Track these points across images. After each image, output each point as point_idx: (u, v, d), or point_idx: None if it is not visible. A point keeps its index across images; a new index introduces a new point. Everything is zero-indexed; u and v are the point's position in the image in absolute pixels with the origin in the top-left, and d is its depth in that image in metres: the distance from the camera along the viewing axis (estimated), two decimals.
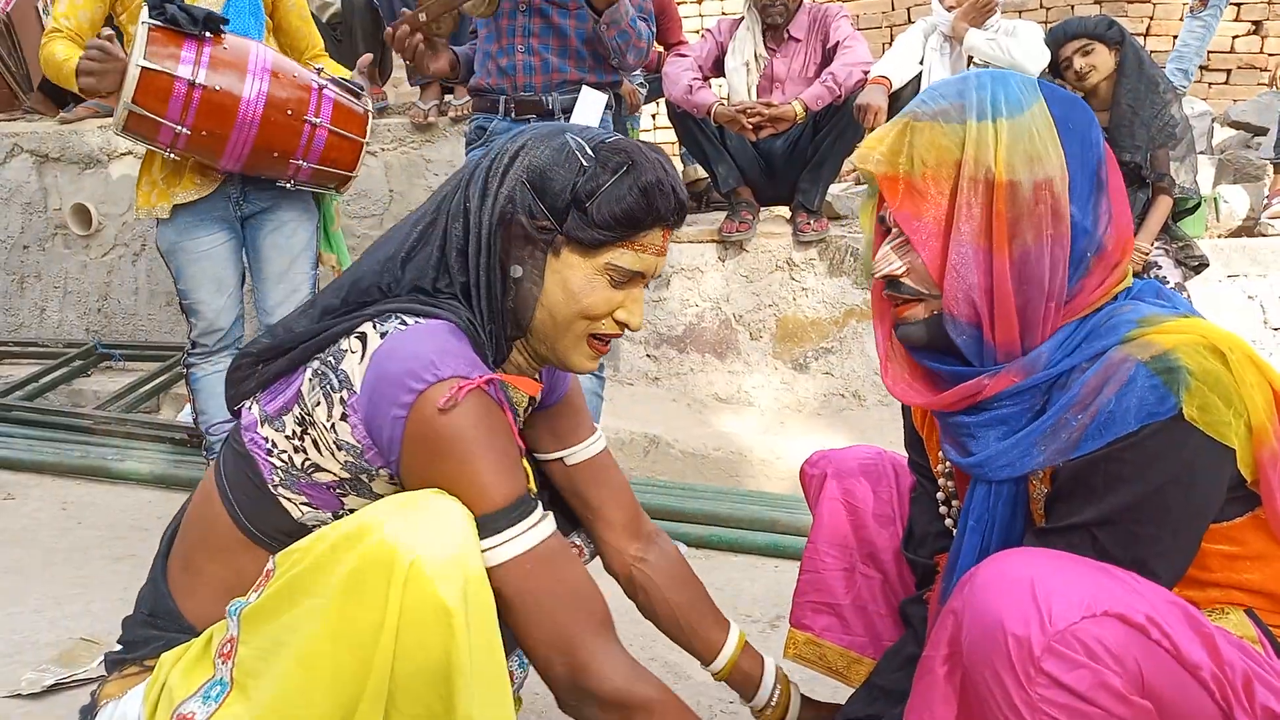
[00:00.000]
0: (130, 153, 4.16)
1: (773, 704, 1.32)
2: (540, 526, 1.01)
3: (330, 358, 1.03)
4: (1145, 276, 3.14)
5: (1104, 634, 0.84)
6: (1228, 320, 3.35)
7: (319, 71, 2.41)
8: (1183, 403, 0.92)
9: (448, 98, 4.10)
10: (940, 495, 1.23)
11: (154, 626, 1.12)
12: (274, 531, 1.07)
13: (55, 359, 4.04)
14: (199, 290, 2.48)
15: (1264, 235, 3.58)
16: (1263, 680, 0.86)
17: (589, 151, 1.06)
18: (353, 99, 2.42)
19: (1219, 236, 3.71)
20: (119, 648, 1.15)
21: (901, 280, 1.06)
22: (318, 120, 2.31)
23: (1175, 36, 4.49)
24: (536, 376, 1.26)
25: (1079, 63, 3.18)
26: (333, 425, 1.01)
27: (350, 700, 0.91)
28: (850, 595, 1.34)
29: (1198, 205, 3.39)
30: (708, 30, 3.69)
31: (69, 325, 4.51)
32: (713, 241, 3.59)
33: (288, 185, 2.40)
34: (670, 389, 3.64)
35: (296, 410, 1.03)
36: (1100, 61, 3.18)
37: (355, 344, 1.02)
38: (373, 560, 0.89)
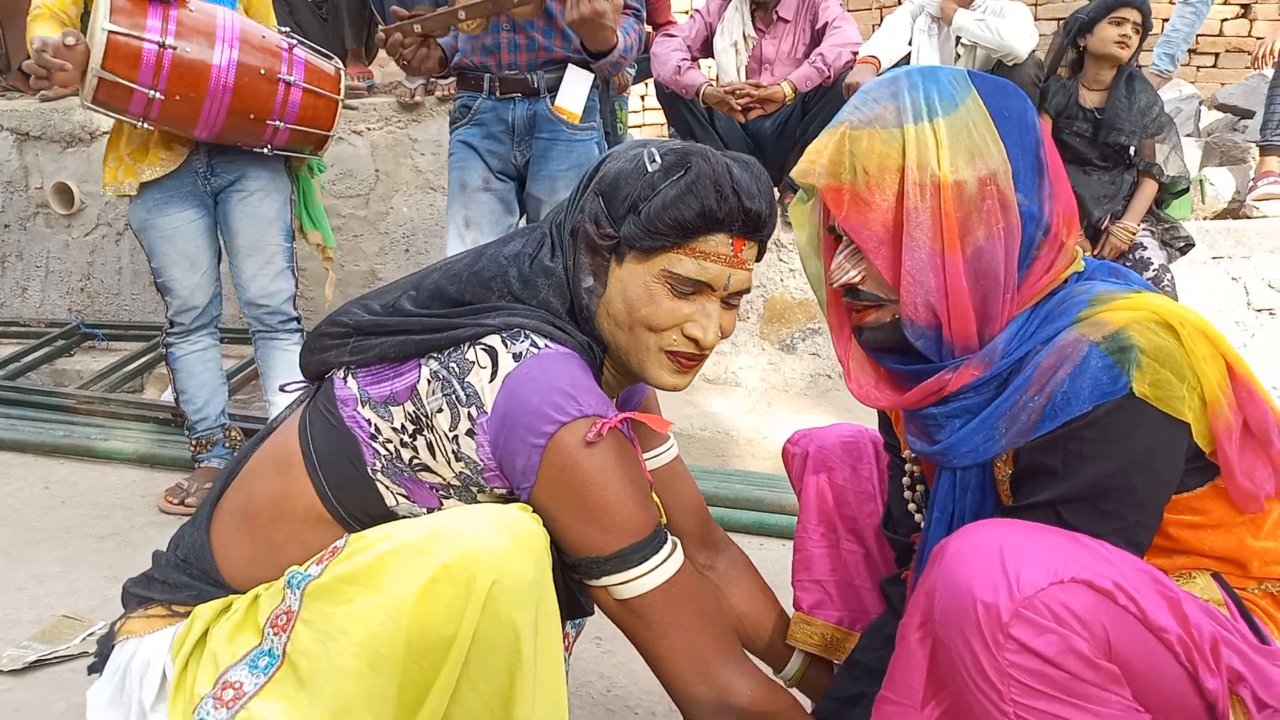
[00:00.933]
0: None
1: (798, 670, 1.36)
2: (675, 555, 1.02)
3: (453, 364, 1.01)
4: (1131, 257, 3.16)
5: (1071, 600, 0.85)
6: (1212, 301, 3.37)
7: (285, 33, 2.40)
8: (1134, 380, 0.93)
9: (433, 77, 4.07)
10: (906, 479, 1.24)
11: (186, 573, 1.10)
12: (360, 513, 1.05)
13: (37, 339, 4.02)
14: (172, 268, 2.46)
15: (1249, 217, 3.59)
16: (1228, 642, 0.88)
17: (658, 159, 1.04)
18: (323, 60, 2.39)
19: (1205, 218, 3.73)
20: (144, 581, 1.13)
21: (860, 288, 1.06)
22: (292, 79, 2.28)
23: (1165, 20, 4.49)
24: (620, 398, 1.26)
25: (1130, 33, 3.16)
26: (455, 437, 1.00)
27: (410, 708, 0.91)
28: (836, 571, 1.35)
29: (1185, 189, 3.41)
30: (696, 10, 3.67)
31: (51, 305, 4.48)
32: None
33: (265, 150, 2.37)
34: None
35: (410, 407, 1.02)
36: (1135, 41, 3.19)
37: (484, 358, 1.00)
38: (454, 573, 0.89)
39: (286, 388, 1.40)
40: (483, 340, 1.01)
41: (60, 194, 4.32)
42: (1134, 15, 3.17)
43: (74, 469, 2.92)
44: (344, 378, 1.07)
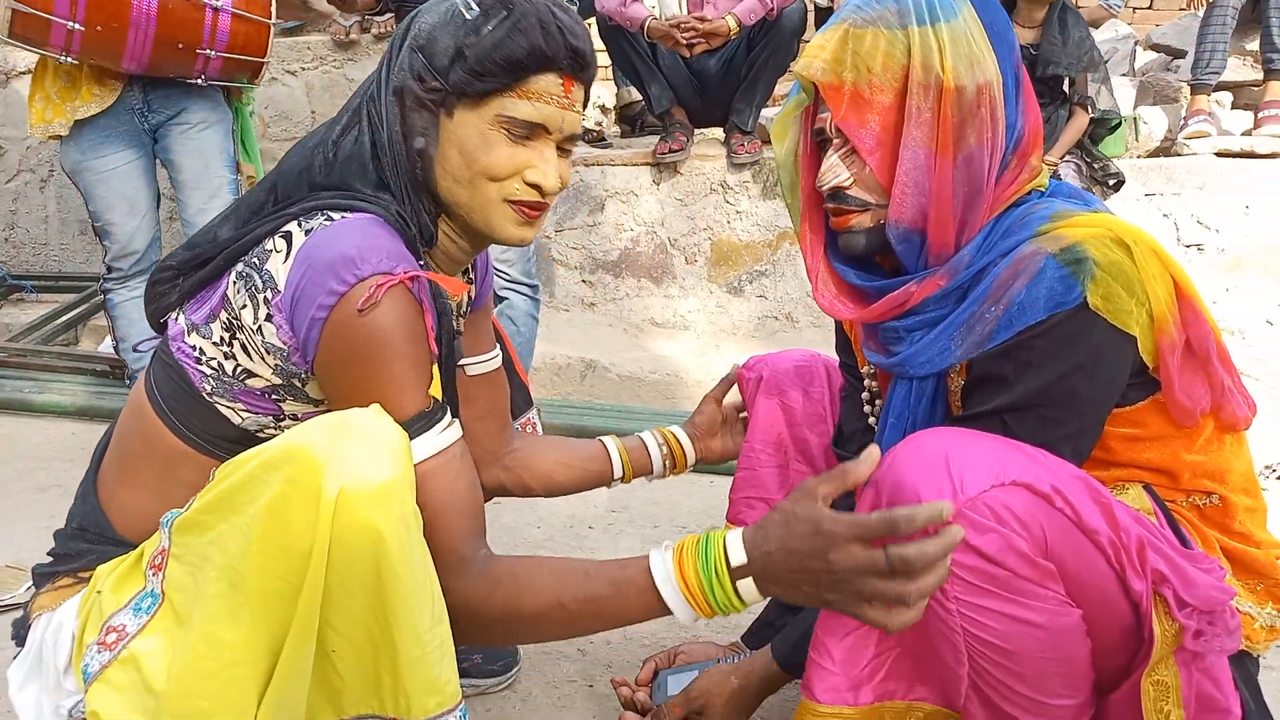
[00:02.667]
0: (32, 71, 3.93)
1: (669, 464, 1.43)
2: (449, 431, 1.00)
3: (254, 259, 1.00)
4: None
5: (1011, 501, 0.89)
6: None
7: None
8: (1088, 292, 0.96)
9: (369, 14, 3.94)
10: (865, 395, 1.27)
11: (84, 539, 1.10)
12: (215, 438, 1.05)
13: None
14: (110, 212, 2.38)
15: (1180, 155, 3.69)
16: (1154, 546, 0.92)
17: (474, 6, 1.03)
18: None
19: (1138, 156, 3.82)
20: (49, 560, 1.13)
21: (848, 192, 1.07)
22: (219, 4, 2.20)
23: None
24: (469, 271, 1.24)
25: None
26: (259, 328, 0.99)
27: (280, 623, 0.90)
28: (784, 490, 1.38)
29: (1118, 125, 3.48)
30: None
31: None
32: (647, 164, 3.56)
33: (199, 81, 2.29)
34: (606, 314, 3.64)
35: (223, 315, 1.01)
36: None
37: (280, 243, 0.99)
38: (299, 486, 0.87)
39: (139, 347, 1.38)
40: (282, 229, 1.00)
41: None
42: None
43: (8, 423, 2.84)
44: (175, 317, 1.07)
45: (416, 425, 0.97)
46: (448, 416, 1.01)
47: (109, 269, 2.46)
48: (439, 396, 1.01)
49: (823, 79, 1.05)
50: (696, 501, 2.30)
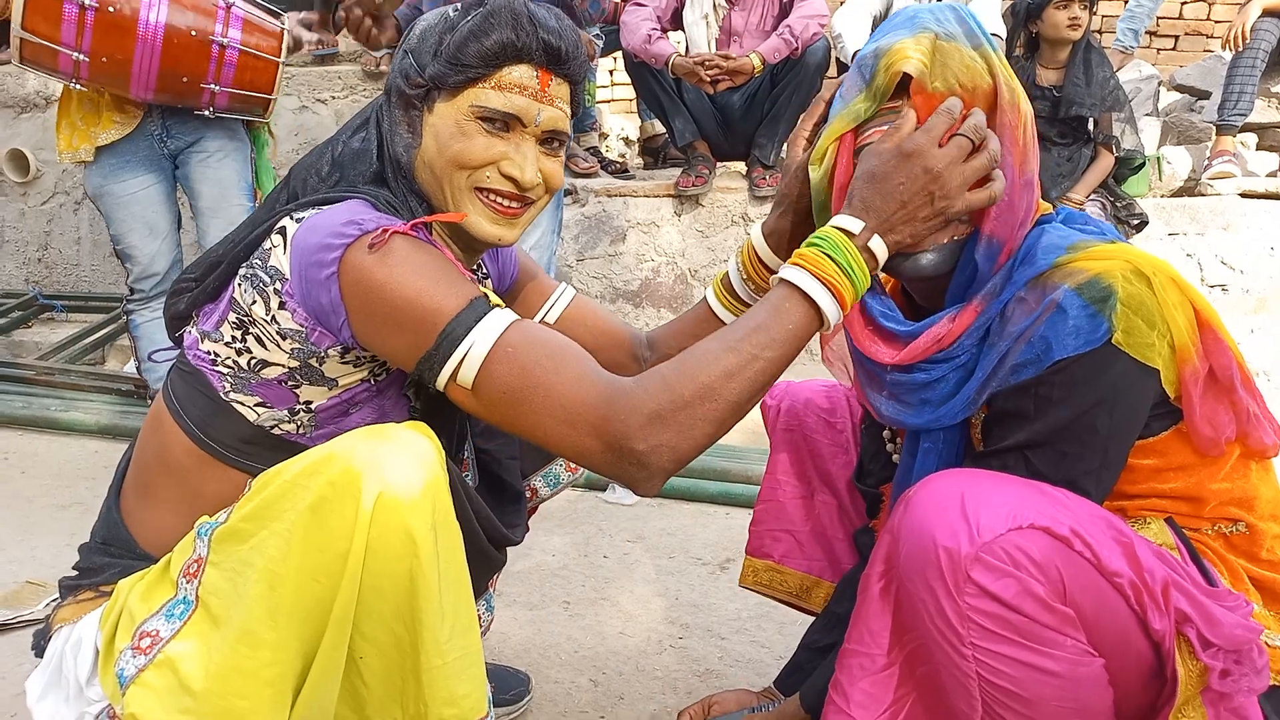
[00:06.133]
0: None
1: (752, 288, 1.23)
2: (499, 314, 0.96)
3: (256, 259, 1.02)
4: None
5: (1029, 545, 0.88)
6: None
7: None
8: (1115, 328, 0.95)
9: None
10: (886, 432, 1.26)
11: (108, 554, 1.12)
12: (233, 440, 1.07)
13: None
14: (131, 234, 2.43)
15: (1204, 195, 3.68)
16: (1177, 585, 0.91)
17: (460, 9, 1.06)
18: (267, 17, 2.33)
19: (1162, 196, 3.80)
20: (74, 574, 1.15)
21: None
22: (226, 40, 2.22)
23: (1126, 1, 4.56)
24: (481, 267, 1.24)
25: (1078, 12, 3.22)
26: (273, 317, 1.01)
27: (316, 625, 0.91)
28: (809, 522, 1.37)
29: (1142, 165, 3.48)
30: None
31: (7, 276, 4.38)
32: (669, 196, 3.58)
33: (208, 113, 2.33)
34: None
35: (232, 316, 1.03)
36: (1085, 19, 3.23)
37: (277, 239, 1.01)
38: (339, 489, 0.89)
39: (154, 356, 1.41)
40: (277, 227, 1.02)
41: (15, 161, 4.22)
42: None
43: (34, 440, 2.88)
44: (189, 330, 1.10)
45: (471, 315, 0.94)
46: (495, 303, 0.98)
47: (131, 290, 2.51)
48: (499, 301, 0.99)
49: (918, 77, 1.00)
50: (712, 533, 2.29)
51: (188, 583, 0.98)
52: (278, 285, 1.00)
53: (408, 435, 0.95)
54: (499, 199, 1.06)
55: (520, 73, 1.04)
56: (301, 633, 0.92)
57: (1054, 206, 1.13)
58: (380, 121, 1.10)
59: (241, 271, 1.03)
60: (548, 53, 1.05)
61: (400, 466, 0.90)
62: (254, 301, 1.01)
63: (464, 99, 1.04)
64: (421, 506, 0.90)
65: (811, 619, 1.38)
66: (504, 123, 1.05)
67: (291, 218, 1.02)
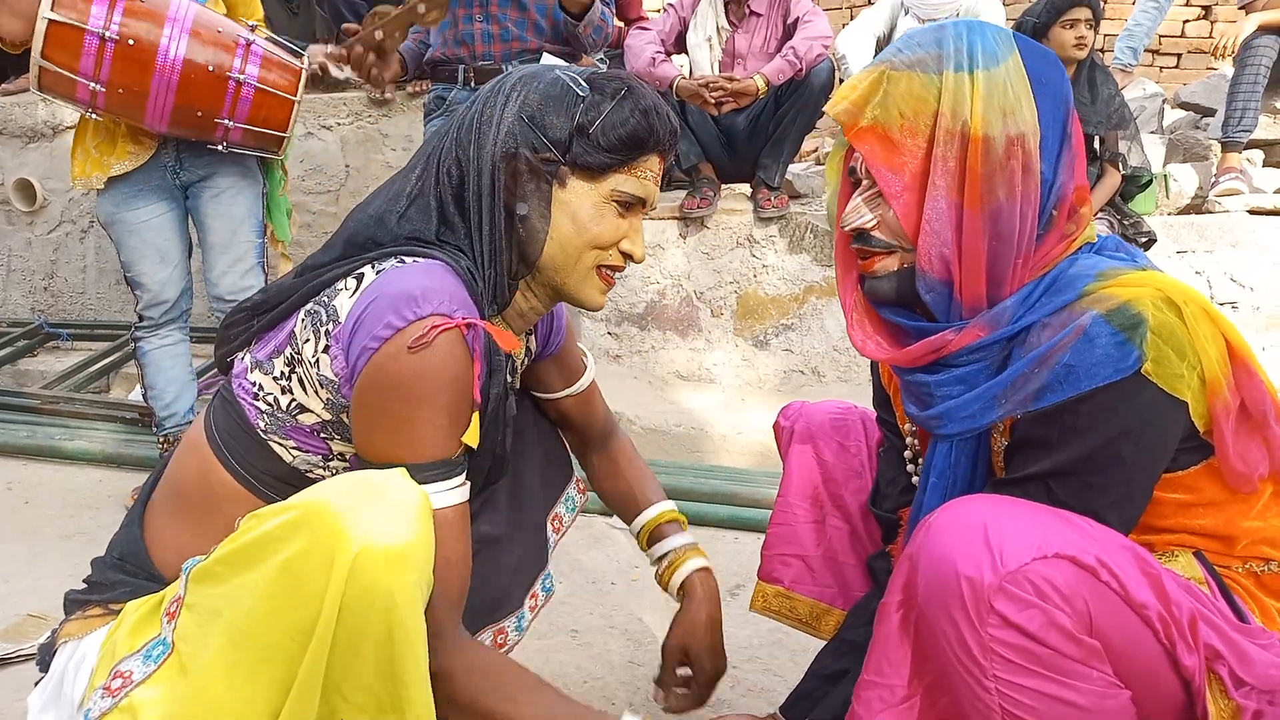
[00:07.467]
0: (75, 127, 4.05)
1: (667, 560, 1.33)
2: (456, 492, 1.01)
3: (324, 296, 1.03)
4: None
5: (1054, 575, 0.86)
6: None
7: (252, 29, 2.32)
8: (1145, 356, 0.92)
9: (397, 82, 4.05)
10: (908, 453, 1.23)
11: (122, 570, 1.10)
12: (266, 475, 1.06)
13: None
14: (141, 262, 2.42)
15: (1211, 212, 3.66)
16: (1207, 619, 0.88)
17: (583, 83, 1.08)
18: (286, 55, 2.33)
19: (1168, 214, 3.79)
20: (83, 587, 1.13)
21: (872, 234, 1.05)
22: (243, 77, 2.22)
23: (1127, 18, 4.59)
24: (532, 328, 1.27)
25: (1084, 31, 3.22)
26: (316, 360, 1.01)
27: (285, 681, 0.88)
28: (820, 547, 1.35)
29: (1149, 183, 3.47)
30: (670, 5, 3.67)
31: (13, 304, 4.39)
32: (674, 218, 3.58)
33: (220, 148, 2.33)
34: (632, 366, 3.63)
35: (288, 350, 1.03)
36: (1091, 38, 3.23)
37: (352, 282, 1.02)
38: (318, 542, 0.86)
39: (201, 383, 1.39)
40: (356, 271, 1.04)
41: (22, 190, 4.24)
42: (1084, 14, 3.21)
43: (38, 469, 2.86)
44: (242, 356, 1.10)
45: (435, 471, 0.99)
46: (462, 476, 1.02)
47: (140, 318, 2.50)
48: (474, 445, 1.03)
49: (846, 119, 1.03)
50: (721, 559, 2.26)
51: (168, 622, 0.97)
52: (329, 326, 1.00)
53: (395, 484, 0.93)
54: (612, 273, 1.13)
55: (652, 161, 1.11)
56: (267, 692, 0.89)
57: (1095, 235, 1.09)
58: (451, 175, 1.08)
59: (308, 307, 1.04)
60: (672, 142, 1.11)
61: (384, 520, 0.88)
62: (307, 340, 1.01)
63: (607, 183, 1.08)
64: (404, 561, 0.88)
65: (823, 644, 1.35)
66: (630, 205, 1.10)
67: (373, 266, 1.03)
